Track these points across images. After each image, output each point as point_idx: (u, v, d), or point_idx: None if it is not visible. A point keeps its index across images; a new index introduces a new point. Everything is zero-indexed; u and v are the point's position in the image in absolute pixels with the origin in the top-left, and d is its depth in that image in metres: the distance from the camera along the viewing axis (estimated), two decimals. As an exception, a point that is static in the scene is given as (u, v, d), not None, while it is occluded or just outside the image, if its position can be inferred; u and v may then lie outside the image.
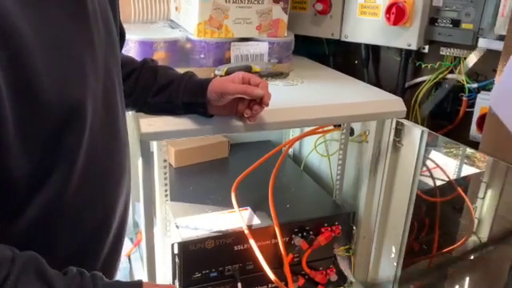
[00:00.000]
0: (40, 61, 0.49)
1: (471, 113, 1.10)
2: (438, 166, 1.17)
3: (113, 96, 0.65)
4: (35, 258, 0.51)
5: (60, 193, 0.56)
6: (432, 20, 1.13)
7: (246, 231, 1.07)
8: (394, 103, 1.08)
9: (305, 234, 1.16)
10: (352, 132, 1.25)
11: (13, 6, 0.46)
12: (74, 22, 0.55)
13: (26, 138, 0.50)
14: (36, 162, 0.52)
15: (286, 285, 1.11)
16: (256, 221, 1.13)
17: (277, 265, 1.12)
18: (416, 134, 1.07)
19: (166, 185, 1.06)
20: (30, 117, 0.49)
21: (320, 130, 1.26)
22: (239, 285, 1.09)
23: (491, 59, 1.03)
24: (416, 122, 1.20)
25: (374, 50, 1.32)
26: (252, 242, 1.07)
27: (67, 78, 0.53)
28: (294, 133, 1.52)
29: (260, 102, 0.83)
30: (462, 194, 1.17)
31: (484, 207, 1.16)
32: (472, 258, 1.17)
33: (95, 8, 0.60)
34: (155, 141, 0.97)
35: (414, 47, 1.14)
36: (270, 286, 1.15)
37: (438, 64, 1.15)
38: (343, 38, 1.28)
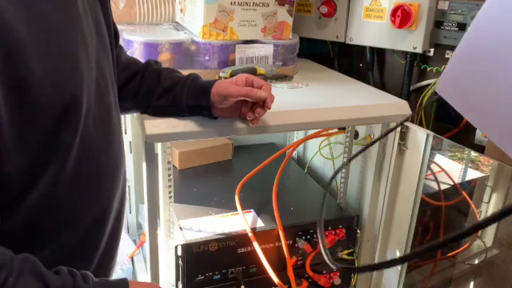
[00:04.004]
0: (34, 58, 0.49)
1: (477, 116, 1.09)
2: (442, 169, 1.16)
3: (106, 94, 0.65)
4: (30, 259, 0.51)
5: (54, 189, 0.57)
6: (438, 23, 1.13)
7: (250, 234, 1.07)
8: (399, 106, 1.07)
9: (308, 237, 1.16)
10: (356, 135, 1.24)
11: (6, 4, 0.46)
12: (66, 19, 0.55)
13: (21, 135, 0.50)
14: (30, 159, 0.52)
15: (290, 288, 1.11)
16: (260, 223, 1.13)
17: (280, 268, 1.12)
18: (421, 137, 1.06)
19: (169, 186, 1.06)
20: (26, 115, 0.50)
21: (324, 132, 1.26)
22: (242, 287, 1.09)
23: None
24: (421, 125, 1.20)
25: (379, 53, 1.32)
26: (255, 244, 1.07)
27: (62, 75, 0.53)
28: (299, 135, 1.52)
29: (263, 104, 0.82)
30: (467, 198, 1.17)
31: (489, 211, 1.15)
32: (476, 262, 1.16)
33: (85, 8, 0.61)
34: (159, 142, 0.97)
35: (419, 50, 1.13)
36: (273, 288, 1.15)
37: (443, 67, 1.15)
38: (348, 41, 1.28)
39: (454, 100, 0.57)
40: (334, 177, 1.07)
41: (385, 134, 1.08)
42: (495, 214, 0.39)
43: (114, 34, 0.76)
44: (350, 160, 1.09)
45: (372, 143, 1.06)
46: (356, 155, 0.98)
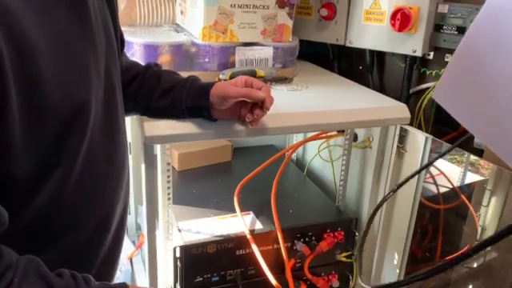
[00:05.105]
0: (45, 61, 0.49)
1: (476, 120, 1.09)
2: (441, 172, 1.16)
3: (113, 98, 0.66)
4: (35, 260, 0.52)
5: (60, 192, 0.57)
6: (437, 27, 1.13)
7: (248, 236, 1.07)
8: (399, 109, 1.07)
9: (307, 239, 1.16)
10: (356, 138, 1.25)
11: (22, 10, 0.47)
12: (77, 24, 0.56)
13: (31, 138, 0.50)
14: (38, 162, 0.53)
15: (288, 290, 1.11)
16: (258, 225, 1.13)
17: (278, 270, 1.12)
18: (420, 140, 1.06)
19: (168, 188, 1.06)
20: (36, 118, 0.50)
21: (324, 135, 1.26)
22: (240, 289, 1.09)
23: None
24: (420, 128, 1.20)
25: (379, 56, 1.32)
26: (254, 246, 1.07)
27: (71, 79, 0.53)
28: (298, 137, 1.52)
29: (262, 106, 0.83)
30: (466, 201, 1.17)
31: (488, 215, 1.15)
32: (475, 266, 1.16)
33: (95, 12, 0.61)
34: (159, 144, 0.97)
35: (418, 54, 1.14)
36: (271, 291, 1.15)
37: (442, 71, 1.15)
38: (348, 44, 1.28)
39: (451, 107, 0.57)
40: (379, 206, 0.98)
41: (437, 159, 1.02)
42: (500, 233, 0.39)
43: (120, 39, 0.77)
44: (398, 187, 0.99)
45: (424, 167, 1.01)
46: (406, 181, 0.91)
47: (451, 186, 1.18)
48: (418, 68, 1.21)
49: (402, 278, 1.18)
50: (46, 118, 0.51)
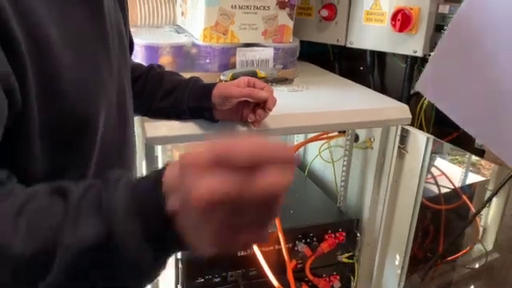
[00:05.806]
0: (62, 60, 0.49)
1: (477, 120, 1.09)
2: (443, 173, 1.16)
3: (124, 102, 0.66)
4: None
5: None
6: (438, 27, 1.13)
7: (250, 237, 1.07)
8: (400, 110, 1.07)
9: (308, 240, 1.15)
10: (357, 138, 1.25)
11: (42, 9, 0.47)
12: (92, 22, 0.56)
13: (47, 138, 0.50)
14: (52, 164, 0.53)
15: (289, 291, 1.11)
16: (259, 226, 1.12)
17: (280, 271, 1.12)
18: (421, 141, 1.06)
19: (169, 189, 1.06)
20: (53, 117, 0.50)
21: (324, 136, 1.26)
22: (242, 291, 1.09)
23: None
24: (421, 128, 1.20)
25: (380, 57, 1.32)
26: (255, 247, 1.07)
27: (85, 79, 0.54)
28: (299, 138, 1.52)
29: (264, 106, 0.83)
30: (468, 201, 1.17)
31: (489, 215, 1.15)
32: (477, 266, 1.16)
33: (110, 15, 0.61)
34: (160, 145, 0.97)
35: (419, 54, 1.14)
36: (272, 292, 1.15)
37: (443, 71, 1.15)
38: (348, 45, 1.28)
39: (433, 95, 0.57)
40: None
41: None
42: None
43: (130, 41, 0.77)
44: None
45: None
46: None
47: (452, 187, 1.18)
48: (419, 68, 1.21)
49: (403, 279, 1.18)
50: (60, 118, 0.51)
